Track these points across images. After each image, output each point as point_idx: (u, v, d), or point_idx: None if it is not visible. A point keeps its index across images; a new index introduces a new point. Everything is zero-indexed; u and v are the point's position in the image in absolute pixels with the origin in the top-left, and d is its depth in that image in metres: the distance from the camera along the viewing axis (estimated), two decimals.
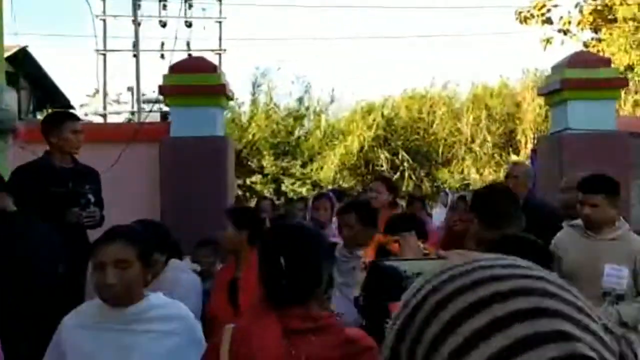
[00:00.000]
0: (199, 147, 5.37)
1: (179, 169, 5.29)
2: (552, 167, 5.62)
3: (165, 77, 5.56)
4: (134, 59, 15.87)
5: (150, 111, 7.88)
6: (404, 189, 16.42)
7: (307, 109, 17.29)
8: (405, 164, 16.29)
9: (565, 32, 15.63)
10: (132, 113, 18.05)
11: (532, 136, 15.82)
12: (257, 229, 3.19)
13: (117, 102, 22.05)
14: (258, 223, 3.35)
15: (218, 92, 5.62)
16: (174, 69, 5.64)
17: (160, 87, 5.55)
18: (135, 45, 15.47)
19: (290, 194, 16.37)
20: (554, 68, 5.97)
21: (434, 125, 16.69)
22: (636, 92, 15.26)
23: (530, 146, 15.95)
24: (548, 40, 15.35)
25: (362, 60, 43.59)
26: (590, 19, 15.55)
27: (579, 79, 5.55)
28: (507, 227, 2.50)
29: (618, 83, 5.63)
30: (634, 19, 15.42)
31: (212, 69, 5.71)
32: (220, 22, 17.41)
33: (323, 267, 1.71)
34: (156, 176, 5.39)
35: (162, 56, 15.71)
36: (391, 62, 40.79)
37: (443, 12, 36.91)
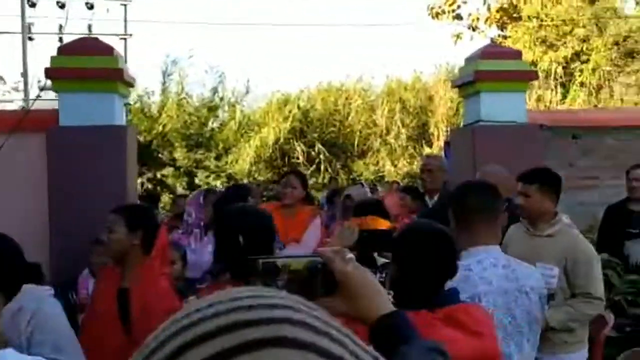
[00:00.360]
0: (92, 138, 4.85)
1: (68, 161, 4.75)
2: (465, 159, 5.58)
3: (53, 59, 4.97)
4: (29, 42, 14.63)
5: (37, 98, 7.12)
6: (319, 181, 16.31)
7: (222, 99, 16.73)
8: (321, 156, 16.17)
9: (474, 29, 16.09)
10: (26, 101, 16.73)
11: (444, 129, 16.18)
12: (152, 231, 2.81)
13: (16, 89, 20.43)
14: (154, 225, 2.95)
15: (114, 77, 5.10)
16: (63, 50, 5.06)
17: (47, 70, 4.96)
18: (28, 27, 14.25)
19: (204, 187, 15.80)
20: (467, 60, 5.93)
21: (350, 118, 16.70)
22: (539, 88, 15.91)
23: (442, 139, 16.32)
24: (458, 36, 15.74)
25: (278, 51, 43.22)
26: (497, 16, 16.10)
27: (491, 70, 5.53)
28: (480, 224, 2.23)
29: (529, 75, 5.68)
30: (537, 17, 16.12)
31: (108, 51, 5.17)
32: (125, 5, 16.47)
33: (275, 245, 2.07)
34: (44, 169, 4.82)
35: (61, 40, 14.59)
36: (308, 54, 40.73)
37: (360, 3, 37.22)
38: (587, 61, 16.45)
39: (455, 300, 1.74)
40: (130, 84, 5.54)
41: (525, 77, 5.62)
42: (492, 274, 2.14)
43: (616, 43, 16.76)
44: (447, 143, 7.98)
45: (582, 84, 16.39)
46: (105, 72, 5.05)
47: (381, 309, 1.06)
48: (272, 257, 1.15)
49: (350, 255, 1.08)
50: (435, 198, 4.44)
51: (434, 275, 1.75)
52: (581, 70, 16.55)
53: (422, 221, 2.31)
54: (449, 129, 9.21)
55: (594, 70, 16.58)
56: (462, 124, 6.10)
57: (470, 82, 5.70)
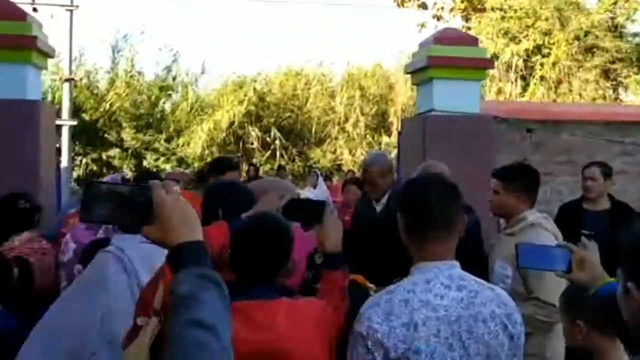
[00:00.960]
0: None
1: None
2: (416, 151, 5.22)
3: None
4: None
5: None
6: (275, 167, 15.85)
7: (175, 79, 16.02)
8: (277, 142, 15.70)
9: (438, 18, 15.81)
10: None
11: (403, 118, 15.91)
12: None
13: None
14: None
15: (27, 46, 4.53)
16: None
17: None
18: None
19: (153, 171, 15.14)
20: (421, 45, 5.56)
21: (308, 103, 16.25)
22: (500, 80, 15.75)
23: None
24: (423, 25, 15.44)
25: (236, 31, 41.93)
26: (462, 6, 15.85)
27: (445, 56, 5.18)
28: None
29: (484, 63, 5.34)
30: (501, 9, 15.94)
31: (20, 15, 4.59)
32: None
33: None
34: None
35: None
36: (268, 36, 39.67)
37: None
38: (548, 55, 16.38)
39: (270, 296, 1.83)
40: (48, 55, 4.96)
41: (480, 64, 5.27)
42: (440, 296, 1.69)
43: (577, 38, 16.74)
44: (400, 133, 7.65)
45: (542, 78, 16.32)
46: (16, 39, 4.48)
47: (186, 237, 1.06)
48: (105, 183, 1.15)
49: (177, 188, 1.15)
50: (384, 200, 3.98)
51: (257, 269, 1.84)
52: (542, 64, 16.48)
53: (259, 215, 2.04)
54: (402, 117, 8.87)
55: (554, 64, 16.54)
56: (415, 113, 5.74)
57: (423, 68, 5.33)
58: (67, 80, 13.58)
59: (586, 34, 16.33)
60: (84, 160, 14.77)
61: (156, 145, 15.01)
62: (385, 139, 16.40)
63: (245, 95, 15.47)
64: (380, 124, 16.73)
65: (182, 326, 0.95)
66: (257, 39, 38.12)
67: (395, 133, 16.35)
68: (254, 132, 15.47)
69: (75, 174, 14.57)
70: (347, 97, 16.25)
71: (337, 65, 17.35)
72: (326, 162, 15.90)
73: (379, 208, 3.95)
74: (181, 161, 15.25)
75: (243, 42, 38.69)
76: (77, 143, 14.84)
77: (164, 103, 15.77)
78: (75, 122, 13.75)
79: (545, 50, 16.28)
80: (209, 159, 15.52)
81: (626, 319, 1.23)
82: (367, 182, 3.97)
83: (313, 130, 16.16)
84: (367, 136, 16.42)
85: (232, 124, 15.30)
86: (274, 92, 16.28)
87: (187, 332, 0.94)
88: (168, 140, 15.29)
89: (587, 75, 16.49)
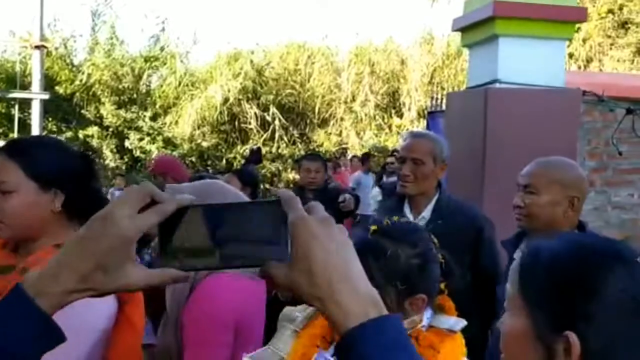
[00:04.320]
0: None
1: None
2: (470, 137, 3.66)
3: None
4: None
5: None
6: (274, 151, 14.27)
7: (162, 49, 14.30)
8: (277, 122, 14.06)
9: None
10: None
11: (417, 98, 14.29)
12: None
13: None
14: None
15: None
16: None
17: None
18: None
19: (137, 152, 13.55)
20: None
21: (311, 80, 14.56)
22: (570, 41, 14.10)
23: (415, 108, 14.46)
24: None
25: (231, 0, 39.59)
26: None
27: (518, 3, 3.59)
28: None
29: (575, 14, 3.74)
30: None
31: None
32: None
33: None
34: None
35: None
36: (267, 8, 37.40)
37: None
38: (578, 30, 14.85)
39: None
40: None
41: (569, 15, 3.68)
42: None
43: (610, 12, 15.27)
44: (431, 113, 6.09)
45: (570, 56, 14.79)
46: None
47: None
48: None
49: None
50: (426, 214, 2.50)
51: None
52: (570, 40, 14.91)
53: None
54: (433, 96, 7.25)
55: (584, 41, 15.08)
56: (466, 86, 4.16)
57: (483, 21, 3.76)
58: (37, 47, 11.93)
59: (620, 7, 14.90)
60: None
61: (140, 123, 13.38)
62: (396, 120, 14.79)
63: (241, 69, 13.77)
64: (390, 103, 15.09)
65: None
66: (255, 9, 36.05)
67: (407, 115, 14.75)
68: (251, 110, 13.82)
69: None
70: (355, 74, 14.59)
71: (344, 40, 15.60)
72: (330, 146, 14.31)
73: (420, 224, 2.45)
74: (168, 142, 13.64)
75: (239, 12, 36.60)
76: (49, 119, 13.23)
77: (149, 77, 14.07)
78: (47, 96, 12.15)
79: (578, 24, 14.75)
80: (199, 140, 13.94)
81: None
82: (405, 178, 2.49)
83: (316, 109, 14.51)
84: (377, 117, 14.79)
85: (226, 100, 13.64)
86: (273, 66, 14.58)
87: None
88: (154, 118, 13.67)
89: (621, 54, 15.03)
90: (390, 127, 14.85)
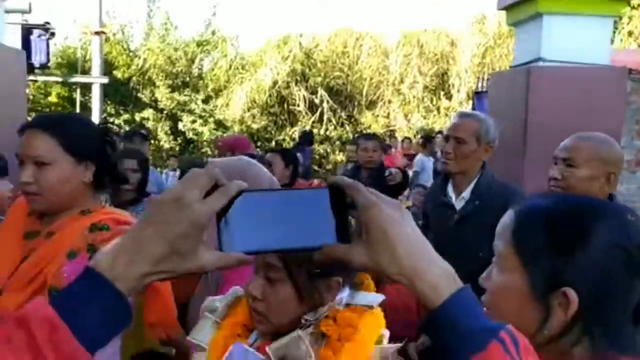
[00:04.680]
0: None
1: None
2: (512, 115, 3.70)
3: None
4: None
5: None
6: (322, 133, 14.42)
7: (214, 33, 14.61)
8: (325, 104, 14.20)
9: None
10: None
11: (467, 79, 14.08)
12: None
13: None
14: None
15: None
16: None
17: None
18: None
19: (190, 134, 13.98)
20: None
21: (359, 62, 14.56)
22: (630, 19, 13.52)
23: (465, 90, 14.26)
24: None
25: None
26: None
27: None
28: None
29: None
30: None
31: None
32: None
33: None
34: None
35: None
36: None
37: None
38: (639, 7, 14.18)
39: None
40: None
41: None
42: None
43: None
44: (477, 93, 6.10)
45: (630, 34, 14.14)
46: None
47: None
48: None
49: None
50: (466, 194, 2.57)
51: None
52: (630, 18, 14.23)
53: None
54: (480, 76, 7.20)
55: None
56: (511, 65, 4.19)
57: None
58: (97, 33, 12.45)
59: None
60: (116, 122, 13.72)
61: (192, 106, 13.77)
62: (444, 102, 14.64)
63: (290, 52, 13.93)
64: (439, 85, 14.92)
65: None
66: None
67: (456, 96, 14.58)
68: (299, 93, 13.98)
69: None
70: (404, 55, 14.48)
71: (393, 22, 15.47)
72: (378, 128, 14.32)
73: (459, 204, 2.56)
74: (219, 124, 14.00)
75: (289, 1, 36.67)
76: (108, 103, 13.81)
77: (201, 60, 14.43)
78: (106, 80, 12.69)
79: (635, 1, 14.05)
80: (249, 123, 14.23)
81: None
82: (447, 156, 2.58)
83: (364, 92, 14.52)
84: (425, 99, 14.67)
85: (275, 83, 13.85)
86: (321, 49, 14.66)
87: None
88: (206, 101, 14.03)
89: None
90: (438, 109, 14.71)
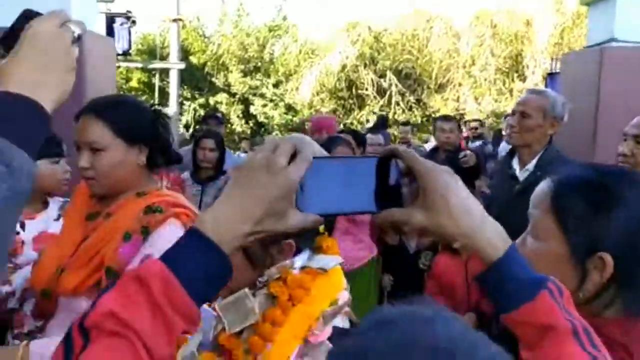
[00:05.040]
0: None
1: None
2: (585, 96, 3.67)
3: None
4: None
5: None
6: (390, 116, 14.40)
7: (285, 19, 14.89)
8: (393, 87, 14.17)
9: None
10: None
11: (542, 61, 13.61)
12: None
13: None
14: None
15: None
16: None
17: None
18: None
19: (261, 118, 14.37)
20: None
21: (429, 45, 14.39)
22: None
23: (539, 72, 13.81)
24: None
25: None
26: None
27: None
28: None
29: None
30: None
31: None
32: None
33: None
34: None
35: None
36: None
37: None
38: None
39: None
40: None
41: None
42: None
43: None
44: (550, 74, 5.98)
45: None
46: None
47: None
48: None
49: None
50: (530, 167, 2.66)
51: None
52: None
53: None
54: (555, 58, 7.03)
55: None
56: (584, 46, 4.13)
57: None
58: (174, 20, 12.99)
59: None
60: (192, 106, 14.30)
61: (264, 90, 14.13)
62: (518, 84, 14.24)
63: (359, 36, 13.98)
64: (513, 67, 14.51)
65: None
66: None
67: (530, 78, 14.14)
68: (368, 77, 14.03)
69: (183, 120, 14.19)
70: (476, 37, 14.17)
71: (465, 2, 15.08)
72: (447, 111, 14.14)
73: (522, 175, 2.64)
74: (289, 108, 14.30)
75: None
76: (184, 87, 14.39)
77: (272, 45, 14.74)
78: (183, 66, 13.23)
79: None
80: (318, 106, 14.43)
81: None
82: (511, 129, 2.67)
83: (434, 75, 14.35)
84: (497, 81, 14.32)
85: (344, 67, 13.96)
86: (390, 32, 14.60)
87: None
88: (276, 85, 14.35)
89: None
90: (511, 91, 14.33)
